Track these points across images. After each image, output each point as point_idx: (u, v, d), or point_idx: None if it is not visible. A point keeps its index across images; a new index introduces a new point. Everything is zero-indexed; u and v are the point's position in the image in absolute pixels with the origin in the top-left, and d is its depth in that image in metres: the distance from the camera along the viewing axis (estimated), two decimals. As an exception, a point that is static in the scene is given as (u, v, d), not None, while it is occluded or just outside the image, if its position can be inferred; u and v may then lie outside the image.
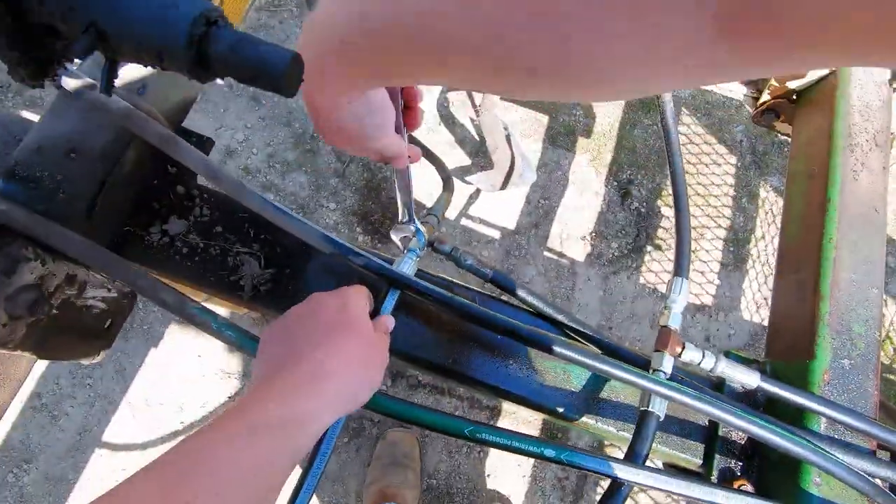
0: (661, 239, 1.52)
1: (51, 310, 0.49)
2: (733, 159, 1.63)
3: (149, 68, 0.34)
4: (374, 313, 0.50)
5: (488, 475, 1.30)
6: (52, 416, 1.27)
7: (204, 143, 0.64)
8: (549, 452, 0.44)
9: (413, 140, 0.84)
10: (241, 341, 0.46)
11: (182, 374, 1.31)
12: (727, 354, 0.62)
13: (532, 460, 1.31)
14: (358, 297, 0.45)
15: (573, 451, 0.45)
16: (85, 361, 0.58)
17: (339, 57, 0.30)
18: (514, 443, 0.45)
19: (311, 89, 0.33)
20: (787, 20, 0.18)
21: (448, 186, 0.70)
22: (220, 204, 0.62)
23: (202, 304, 0.46)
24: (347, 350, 0.39)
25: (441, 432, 0.46)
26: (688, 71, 0.23)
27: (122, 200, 0.57)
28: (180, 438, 1.08)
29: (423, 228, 0.57)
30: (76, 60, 0.26)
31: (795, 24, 0.18)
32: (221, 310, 1.34)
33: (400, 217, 0.56)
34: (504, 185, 1.41)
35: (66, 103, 0.53)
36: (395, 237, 0.58)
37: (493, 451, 1.31)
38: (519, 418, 1.34)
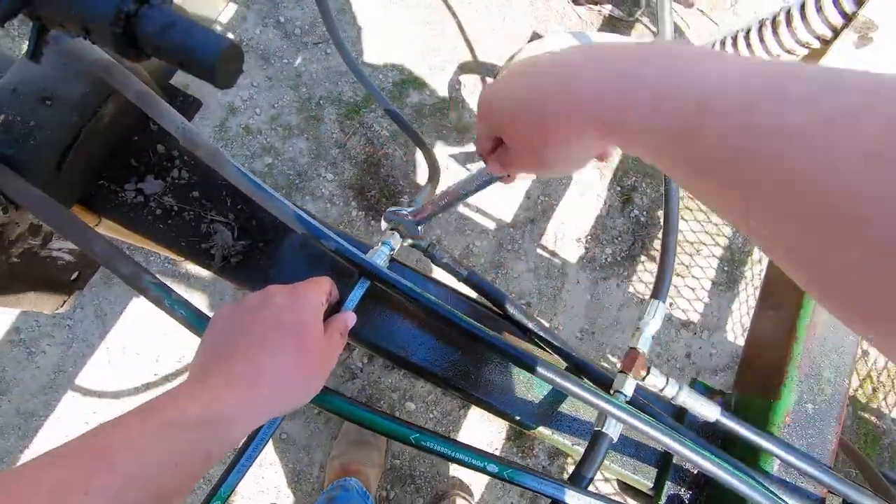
0: (657, 250, 1.50)
1: (9, 258, 0.48)
2: (741, 178, 1.60)
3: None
4: (340, 304, 0.49)
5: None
6: (29, 352, 1.28)
7: (190, 105, 0.62)
8: (492, 468, 0.44)
9: (406, 126, 0.82)
10: (192, 321, 0.45)
11: (162, 325, 1.31)
12: (692, 384, 0.61)
13: (498, 452, 1.33)
14: (314, 294, 0.43)
15: (516, 469, 0.44)
16: (47, 311, 0.57)
17: (596, 112, 0.29)
18: (457, 454, 0.44)
19: (537, 125, 0.33)
20: None
21: (434, 177, 0.68)
22: (200, 168, 0.60)
23: (158, 278, 0.45)
24: (287, 352, 0.38)
25: (387, 436, 0.45)
26: None
27: (97, 154, 0.56)
28: (153, 390, 1.09)
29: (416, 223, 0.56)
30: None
31: None
32: (204, 273, 1.34)
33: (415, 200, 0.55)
34: (505, 177, 1.39)
35: (48, 46, 0.51)
36: (384, 223, 0.57)
37: (459, 440, 1.32)
38: (487, 414, 1.35)
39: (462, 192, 0.57)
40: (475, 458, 0.44)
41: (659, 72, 0.26)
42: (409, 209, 0.58)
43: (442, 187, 1.40)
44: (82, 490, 0.26)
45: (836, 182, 0.18)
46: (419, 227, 0.59)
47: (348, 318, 0.48)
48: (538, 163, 0.37)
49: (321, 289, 0.45)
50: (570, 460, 1.34)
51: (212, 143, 0.51)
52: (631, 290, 1.47)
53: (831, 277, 0.20)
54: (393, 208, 0.58)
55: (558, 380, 0.50)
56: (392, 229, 0.58)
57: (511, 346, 0.52)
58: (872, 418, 1.45)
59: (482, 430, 1.34)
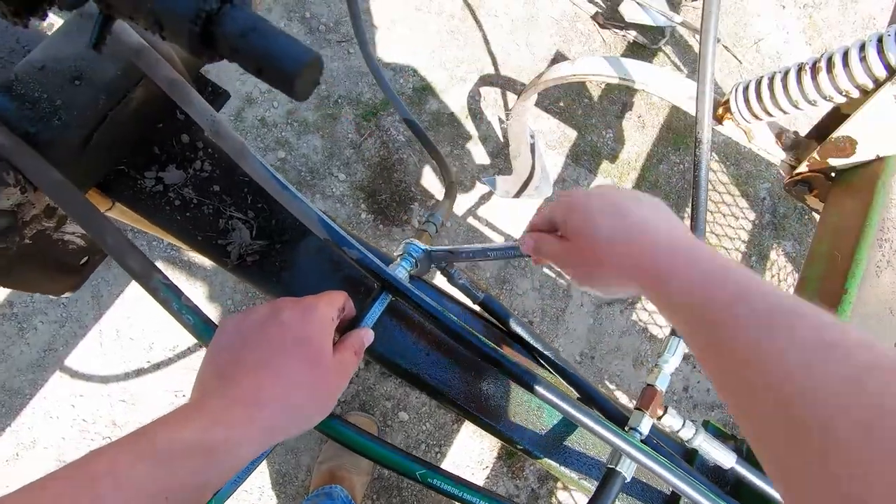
0: (663, 280, 1.49)
1: (22, 240, 0.46)
2: (752, 215, 1.60)
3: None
4: (357, 320, 0.47)
5: (440, 477, 1.29)
6: (20, 327, 1.25)
7: (219, 96, 0.61)
8: None
9: (425, 138, 0.81)
10: (200, 329, 0.43)
11: (158, 313, 1.29)
12: (706, 426, 0.60)
13: (487, 470, 1.31)
14: (324, 309, 0.40)
15: None
16: (53, 295, 0.56)
17: (652, 270, 0.34)
18: (464, 494, 0.42)
19: (612, 262, 0.38)
20: None
21: (451, 193, 0.66)
22: (223, 163, 0.59)
23: (169, 279, 0.43)
24: (293, 373, 0.36)
25: (392, 470, 0.43)
26: None
27: (122, 138, 0.54)
28: (144, 377, 1.06)
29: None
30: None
31: None
32: (206, 263, 1.32)
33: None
34: (518, 194, 1.38)
35: (81, 25, 0.50)
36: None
37: (449, 455, 1.30)
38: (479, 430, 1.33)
39: (486, 255, 0.56)
40: (484, 499, 0.42)
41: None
42: (424, 248, 0.57)
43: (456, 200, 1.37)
44: None
45: None
46: (431, 266, 0.58)
47: (365, 335, 0.45)
48: (580, 274, 0.43)
49: (333, 304, 0.42)
50: (559, 484, 1.32)
51: (239, 138, 0.49)
52: (634, 317, 1.46)
53: None
54: (411, 241, 0.56)
55: (577, 414, 0.48)
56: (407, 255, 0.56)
57: (529, 373, 0.51)
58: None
59: (473, 445, 1.32)
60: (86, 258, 0.57)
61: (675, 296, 0.33)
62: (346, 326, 0.47)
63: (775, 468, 0.25)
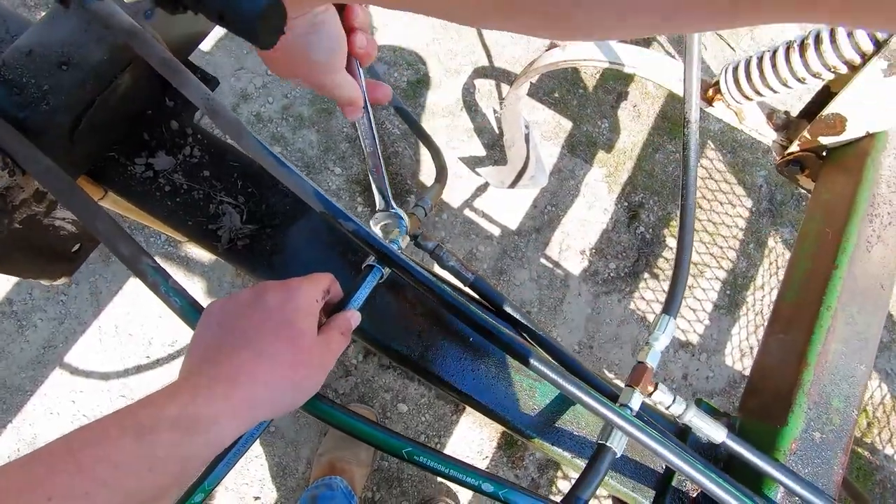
0: (660, 269, 1.50)
1: (11, 224, 0.46)
2: (749, 203, 1.60)
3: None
4: (345, 302, 0.47)
5: (440, 468, 1.29)
6: (20, 324, 1.26)
7: (209, 83, 0.61)
8: (488, 487, 0.42)
9: (416, 124, 0.81)
10: (187, 311, 0.43)
11: (157, 308, 1.29)
12: (698, 403, 0.60)
13: (487, 461, 1.31)
14: (308, 291, 0.41)
15: (513, 489, 0.43)
16: (44, 282, 0.56)
17: None
18: (451, 471, 0.42)
19: None
20: None
21: (441, 177, 0.67)
22: (213, 148, 0.59)
23: (157, 262, 0.44)
24: (276, 354, 0.36)
25: (378, 448, 0.44)
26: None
27: (110, 124, 0.55)
28: (143, 373, 1.07)
29: (404, 216, 0.54)
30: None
31: None
32: (204, 257, 1.33)
33: (377, 204, 0.53)
34: (513, 185, 1.38)
35: (68, 10, 0.50)
36: (373, 226, 0.55)
37: (449, 445, 1.30)
38: (478, 420, 1.34)
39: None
40: (470, 475, 0.43)
41: None
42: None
43: (448, 188, 1.38)
44: (46, 493, 0.24)
45: None
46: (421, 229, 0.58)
47: (352, 316, 0.45)
48: (279, 49, 0.32)
49: (318, 286, 0.43)
50: (560, 473, 1.32)
51: (234, 115, 0.50)
52: (632, 306, 1.46)
53: None
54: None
55: (570, 386, 0.48)
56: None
57: (522, 346, 0.51)
58: (865, 453, 1.43)
59: (473, 436, 1.32)
60: (78, 245, 0.58)
61: None
62: (334, 309, 0.47)
63: None
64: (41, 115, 0.48)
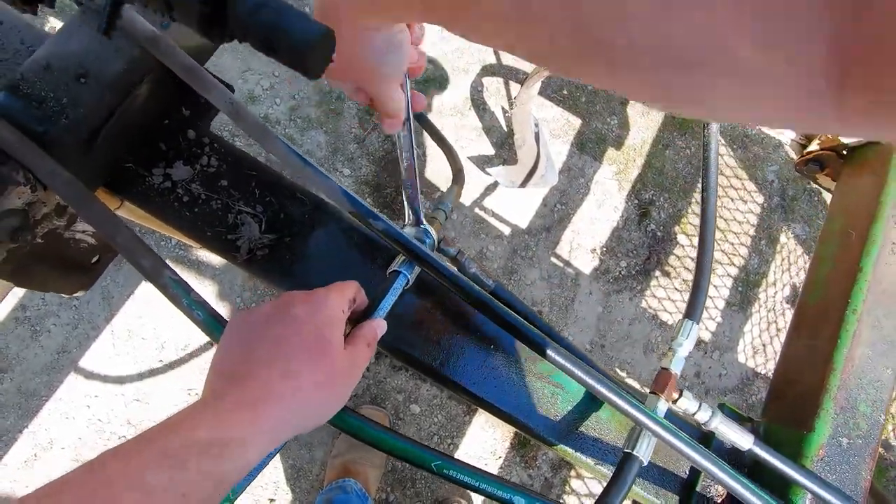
0: (672, 266, 1.49)
1: (34, 238, 0.46)
2: (760, 199, 1.58)
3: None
4: (371, 310, 0.47)
5: (454, 468, 1.29)
6: (34, 330, 1.26)
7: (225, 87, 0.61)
8: (520, 501, 0.42)
9: (428, 123, 0.80)
10: (210, 324, 0.43)
11: (169, 311, 1.29)
12: (721, 408, 0.60)
13: (500, 461, 1.31)
14: (335, 302, 0.40)
15: (545, 501, 0.42)
16: (66, 294, 0.56)
17: None
18: (481, 484, 0.42)
19: (333, 12, 0.30)
20: None
21: (458, 179, 0.66)
22: (230, 157, 0.59)
23: (178, 275, 0.43)
24: (303, 369, 0.36)
25: (406, 461, 0.43)
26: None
27: (128, 135, 0.54)
28: (157, 376, 1.07)
29: (432, 231, 0.53)
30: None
31: None
32: (215, 260, 1.33)
33: (406, 218, 0.53)
34: (524, 184, 1.37)
35: (86, 21, 0.50)
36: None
37: (462, 446, 1.30)
38: (490, 420, 1.33)
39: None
40: (502, 489, 0.42)
41: None
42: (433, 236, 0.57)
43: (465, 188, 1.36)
44: None
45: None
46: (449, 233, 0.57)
47: (378, 325, 0.44)
48: (348, 59, 0.34)
49: (344, 296, 0.42)
50: (573, 473, 1.32)
51: (258, 118, 0.49)
52: (644, 304, 1.45)
53: None
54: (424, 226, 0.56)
55: (599, 387, 0.48)
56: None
57: (555, 347, 0.50)
58: (880, 450, 1.43)
59: (486, 436, 1.32)
60: (97, 257, 0.57)
61: None
62: (359, 316, 0.46)
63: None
64: (60, 129, 0.47)
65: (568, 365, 0.49)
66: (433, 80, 1.54)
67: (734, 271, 1.52)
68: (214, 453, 0.30)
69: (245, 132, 0.47)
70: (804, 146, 0.78)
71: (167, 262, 1.30)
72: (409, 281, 0.50)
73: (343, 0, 0.30)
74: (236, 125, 0.47)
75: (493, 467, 1.30)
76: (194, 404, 0.34)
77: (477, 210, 1.45)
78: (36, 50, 0.50)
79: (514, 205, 1.47)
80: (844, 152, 0.75)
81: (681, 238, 1.51)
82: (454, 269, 0.50)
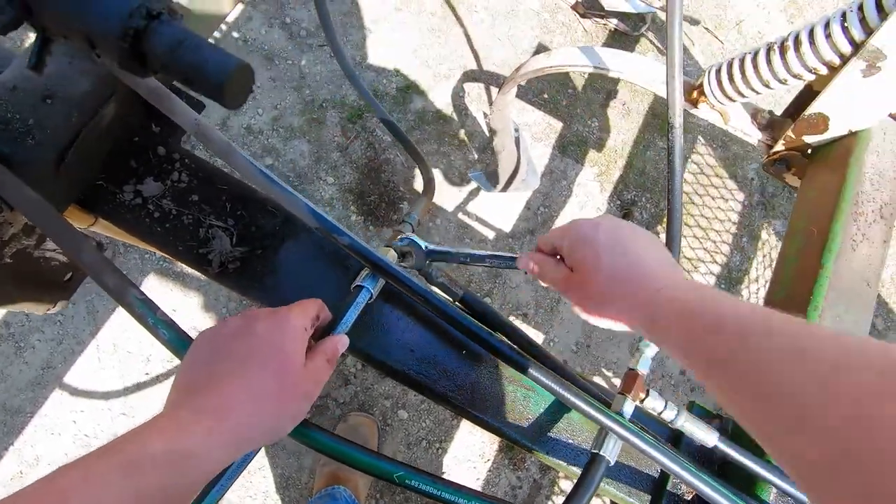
0: (655, 265, 1.50)
1: (2, 259, 0.47)
2: (741, 196, 1.60)
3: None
4: (333, 324, 0.47)
5: (443, 473, 1.30)
6: (17, 346, 1.26)
7: (194, 106, 0.62)
8: None
9: (401, 135, 0.81)
10: (175, 342, 0.43)
11: (154, 325, 1.29)
12: (691, 407, 0.61)
13: (489, 463, 1.32)
14: (296, 320, 0.41)
15: None
16: (38, 313, 0.56)
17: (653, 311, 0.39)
18: (443, 494, 0.43)
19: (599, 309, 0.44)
20: None
21: (428, 189, 0.67)
22: (200, 172, 0.60)
23: (144, 294, 0.44)
24: (263, 385, 0.37)
25: (369, 473, 0.44)
26: None
27: (96, 154, 0.55)
28: (143, 390, 1.07)
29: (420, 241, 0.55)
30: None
31: None
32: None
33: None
34: (505, 188, 1.39)
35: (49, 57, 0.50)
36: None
37: (451, 451, 1.31)
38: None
39: (482, 260, 0.58)
40: (462, 497, 0.43)
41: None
42: (421, 242, 0.58)
43: (441, 193, 1.38)
44: None
45: None
46: (427, 262, 0.59)
47: (339, 341, 0.46)
48: (585, 307, 0.46)
49: (306, 313, 0.43)
50: (561, 473, 1.33)
51: (224, 138, 0.50)
52: (628, 304, 1.46)
53: None
54: (407, 236, 0.58)
55: (565, 393, 0.49)
56: (400, 253, 0.57)
57: (519, 356, 0.51)
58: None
59: (474, 440, 1.33)
60: (69, 274, 0.58)
61: (663, 332, 0.39)
62: (322, 332, 0.47)
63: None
64: (27, 150, 0.48)
65: (537, 375, 0.51)
66: (414, 86, 1.55)
67: (717, 269, 1.54)
68: (169, 464, 0.31)
69: (210, 151, 0.48)
70: (770, 146, 0.80)
71: (151, 273, 1.29)
72: (372, 295, 0.51)
73: (623, 305, 0.42)
74: (202, 145, 0.48)
75: (481, 470, 1.31)
76: (156, 416, 0.34)
77: (461, 215, 1.47)
78: (2, 71, 0.51)
79: (498, 209, 1.48)
80: (809, 152, 0.77)
81: (663, 238, 1.52)
82: (420, 283, 0.51)
